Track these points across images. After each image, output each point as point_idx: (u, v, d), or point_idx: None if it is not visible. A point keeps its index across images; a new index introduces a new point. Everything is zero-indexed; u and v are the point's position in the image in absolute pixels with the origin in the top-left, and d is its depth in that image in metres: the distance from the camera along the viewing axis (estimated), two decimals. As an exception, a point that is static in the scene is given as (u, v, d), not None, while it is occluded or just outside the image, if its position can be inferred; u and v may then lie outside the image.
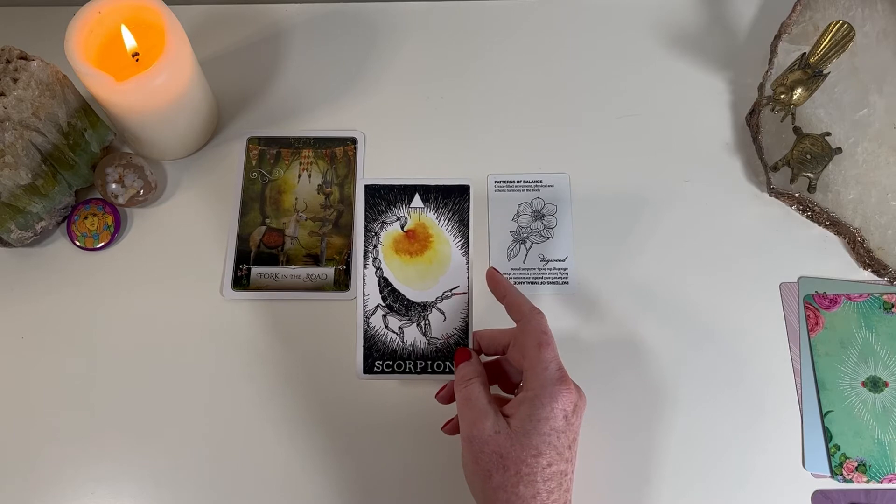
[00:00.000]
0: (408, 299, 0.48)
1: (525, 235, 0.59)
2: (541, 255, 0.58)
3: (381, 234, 0.48)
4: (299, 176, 0.61)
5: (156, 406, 0.54)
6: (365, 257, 0.48)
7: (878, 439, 0.53)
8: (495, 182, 0.61)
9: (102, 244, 0.58)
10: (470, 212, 0.48)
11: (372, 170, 0.61)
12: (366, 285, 0.47)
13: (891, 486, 0.52)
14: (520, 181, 0.61)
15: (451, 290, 0.48)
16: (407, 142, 0.62)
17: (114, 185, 0.58)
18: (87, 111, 0.57)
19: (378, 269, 0.48)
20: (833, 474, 0.52)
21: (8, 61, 0.52)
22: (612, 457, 0.53)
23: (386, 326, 0.48)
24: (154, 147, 0.60)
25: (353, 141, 0.62)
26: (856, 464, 0.53)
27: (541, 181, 0.61)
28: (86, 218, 0.58)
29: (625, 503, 0.52)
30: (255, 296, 0.57)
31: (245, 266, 0.58)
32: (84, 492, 0.52)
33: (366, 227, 0.48)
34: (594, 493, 0.52)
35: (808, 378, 0.55)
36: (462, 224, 0.48)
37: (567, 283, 0.58)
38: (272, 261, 0.58)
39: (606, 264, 0.58)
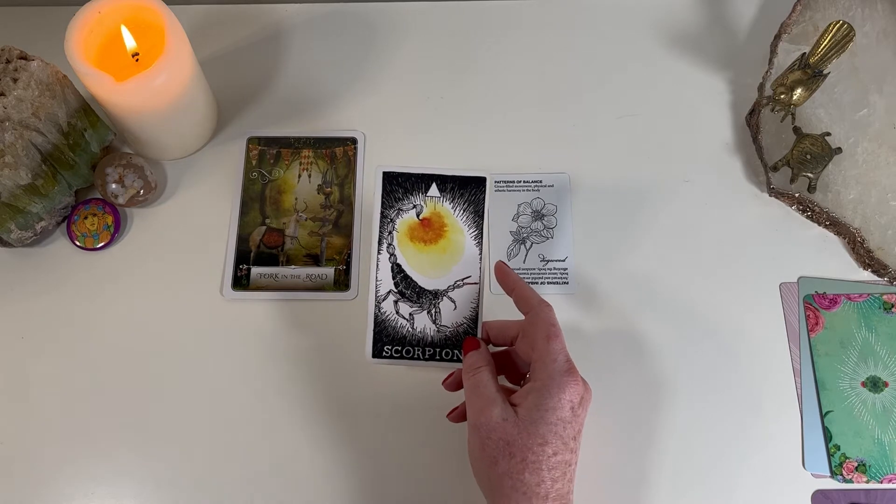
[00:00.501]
0: (420, 286, 0.48)
1: (525, 235, 0.59)
2: (541, 255, 0.58)
3: (397, 220, 0.48)
4: (299, 176, 0.61)
5: (155, 406, 0.54)
6: (379, 243, 0.48)
7: (878, 439, 0.53)
8: (495, 182, 0.61)
9: (102, 244, 0.58)
10: (486, 203, 0.48)
11: (372, 170, 0.61)
12: (379, 270, 0.48)
13: (891, 486, 0.52)
14: (520, 181, 0.61)
15: (462, 280, 0.48)
16: (407, 142, 0.62)
17: (114, 185, 0.58)
18: (87, 111, 0.57)
19: (392, 255, 0.48)
20: (833, 474, 0.52)
21: (8, 61, 0.52)
22: (613, 457, 0.53)
23: (397, 312, 0.48)
24: (154, 147, 0.60)
25: (353, 141, 0.62)
26: (856, 464, 0.53)
27: (541, 181, 0.61)
28: (86, 218, 0.58)
29: (625, 503, 0.52)
30: (255, 296, 0.57)
31: (245, 266, 0.58)
32: (84, 492, 0.52)
33: (382, 213, 0.48)
34: (596, 492, 0.52)
35: (808, 378, 0.55)
36: (477, 215, 0.49)
37: (567, 283, 0.58)
38: (272, 261, 0.58)
39: (606, 264, 0.58)
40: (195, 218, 0.59)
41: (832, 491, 0.52)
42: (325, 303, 0.57)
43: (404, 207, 0.48)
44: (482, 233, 0.48)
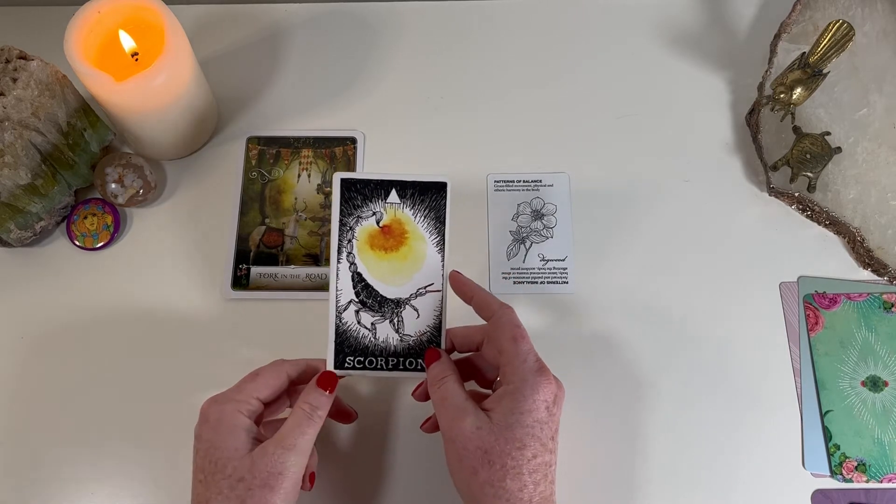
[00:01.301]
0: (381, 295, 0.47)
1: (525, 235, 0.59)
2: (540, 255, 0.58)
3: (357, 228, 0.47)
4: (299, 176, 0.61)
5: (155, 406, 0.54)
6: (339, 252, 0.47)
7: (878, 439, 0.53)
8: (495, 182, 0.61)
9: (102, 244, 0.58)
10: (447, 209, 0.48)
11: (372, 169, 0.61)
12: (339, 280, 0.47)
13: (891, 485, 0.52)
14: (519, 181, 0.61)
15: (425, 288, 0.47)
16: (406, 141, 0.62)
17: (113, 185, 0.58)
18: (87, 111, 0.57)
19: (352, 263, 0.47)
20: (833, 474, 0.52)
21: (7, 61, 0.52)
22: (612, 458, 0.53)
23: (358, 322, 0.47)
24: (154, 147, 0.60)
25: (353, 141, 0.62)
26: (855, 463, 0.53)
27: (540, 181, 0.61)
28: (85, 218, 0.58)
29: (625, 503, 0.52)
30: (255, 295, 0.57)
31: (245, 266, 0.58)
32: (84, 492, 0.52)
33: (341, 220, 0.47)
34: (596, 493, 0.52)
35: (807, 378, 0.55)
36: (438, 221, 0.48)
37: (567, 282, 0.58)
38: (272, 260, 0.58)
39: (606, 264, 0.58)
40: (195, 218, 0.59)
41: (832, 490, 0.52)
42: (325, 303, 0.57)
43: (363, 215, 0.47)
44: (444, 239, 0.48)
